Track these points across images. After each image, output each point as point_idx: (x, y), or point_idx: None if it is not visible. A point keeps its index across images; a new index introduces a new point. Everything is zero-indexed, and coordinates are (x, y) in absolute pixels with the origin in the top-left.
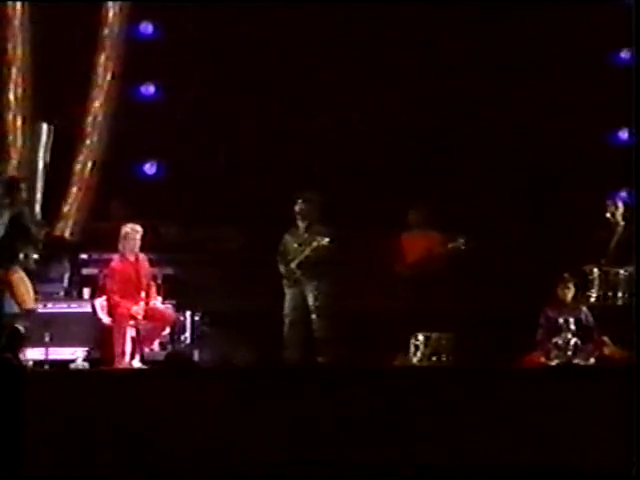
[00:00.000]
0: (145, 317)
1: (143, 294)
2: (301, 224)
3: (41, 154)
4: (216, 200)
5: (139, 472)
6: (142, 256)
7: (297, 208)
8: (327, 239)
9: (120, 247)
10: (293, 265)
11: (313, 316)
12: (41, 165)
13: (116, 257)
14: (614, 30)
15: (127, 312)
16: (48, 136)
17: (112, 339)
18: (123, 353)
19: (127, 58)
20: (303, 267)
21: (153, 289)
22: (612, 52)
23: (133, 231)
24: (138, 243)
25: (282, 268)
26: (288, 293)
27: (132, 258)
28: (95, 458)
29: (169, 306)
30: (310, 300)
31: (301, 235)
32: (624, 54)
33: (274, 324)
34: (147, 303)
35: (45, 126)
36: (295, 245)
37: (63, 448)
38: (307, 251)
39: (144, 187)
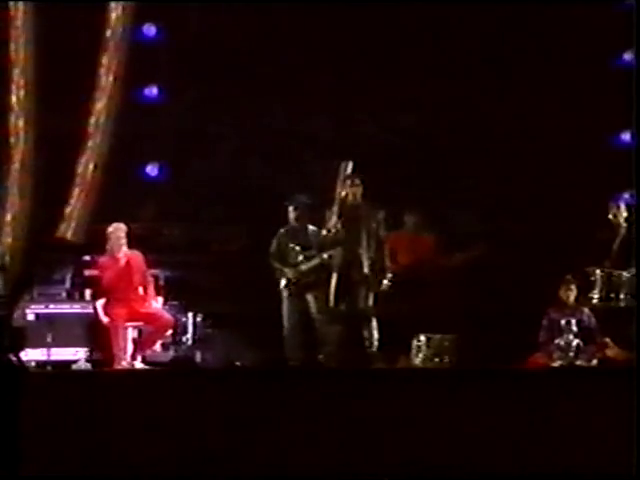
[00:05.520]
0: (145, 320)
1: (141, 291)
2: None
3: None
4: (219, 201)
5: (140, 472)
6: (132, 254)
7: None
8: None
9: (107, 247)
10: (305, 267)
11: (314, 317)
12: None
13: (105, 257)
14: (617, 32)
15: (122, 312)
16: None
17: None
18: (121, 353)
19: (130, 60)
20: (315, 272)
21: (150, 288)
22: (616, 54)
23: (116, 229)
24: (124, 241)
25: (288, 272)
26: (287, 296)
27: (120, 256)
28: (97, 459)
29: (167, 308)
30: (311, 301)
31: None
32: (627, 56)
33: (276, 326)
34: (145, 305)
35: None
36: (298, 249)
37: (65, 449)
38: (317, 258)
39: (146, 189)
